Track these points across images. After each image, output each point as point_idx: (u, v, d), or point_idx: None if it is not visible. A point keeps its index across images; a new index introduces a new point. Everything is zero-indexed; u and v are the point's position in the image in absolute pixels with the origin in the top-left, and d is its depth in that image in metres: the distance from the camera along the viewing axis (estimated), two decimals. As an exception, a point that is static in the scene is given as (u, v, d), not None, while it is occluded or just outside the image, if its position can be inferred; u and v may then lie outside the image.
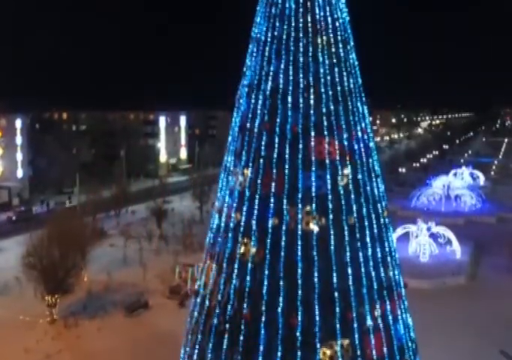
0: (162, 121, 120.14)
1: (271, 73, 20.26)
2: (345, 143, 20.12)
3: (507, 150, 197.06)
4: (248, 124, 20.44)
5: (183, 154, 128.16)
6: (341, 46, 20.63)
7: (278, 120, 19.82)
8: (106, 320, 42.28)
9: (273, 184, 19.52)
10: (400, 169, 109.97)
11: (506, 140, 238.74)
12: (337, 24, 20.68)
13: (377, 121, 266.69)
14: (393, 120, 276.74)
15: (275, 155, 19.65)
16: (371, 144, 21.43)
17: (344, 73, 20.53)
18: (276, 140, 19.69)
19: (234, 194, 20.40)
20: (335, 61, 20.38)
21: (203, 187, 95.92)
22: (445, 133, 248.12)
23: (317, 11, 20.34)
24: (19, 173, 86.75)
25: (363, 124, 21.03)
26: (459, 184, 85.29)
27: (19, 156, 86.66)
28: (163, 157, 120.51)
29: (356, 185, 20.13)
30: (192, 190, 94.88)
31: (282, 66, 20.13)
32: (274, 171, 19.60)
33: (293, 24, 20.22)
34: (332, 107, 20.01)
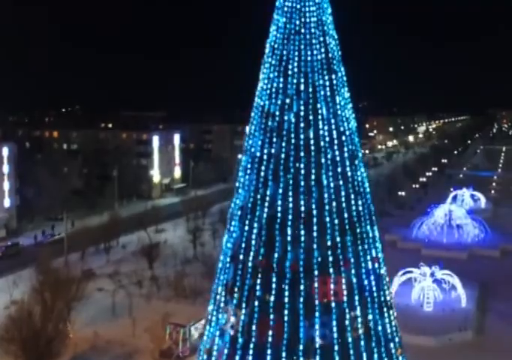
0: (156, 140, 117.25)
1: (267, 198, 17.46)
2: (354, 280, 17.36)
3: (506, 160, 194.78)
4: (240, 256, 17.64)
5: (177, 173, 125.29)
6: (348, 163, 17.86)
7: (275, 255, 17.04)
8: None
9: (270, 333, 16.76)
10: (399, 193, 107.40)
11: (504, 148, 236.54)
12: (343, 138, 17.91)
13: (375, 131, 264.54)
14: (390, 129, 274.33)
15: (272, 298, 16.89)
16: (383, 271, 18.66)
17: (352, 196, 17.76)
18: (274, 280, 16.93)
19: (225, 337, 17.61)
20: (341, 182, 17.61)
21: (196, 213, 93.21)
22: (442, 141, 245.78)
23: (320, 125, 17.57)
24: (6, 203, 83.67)
25: (374, 252, 18.25)
26: (460, 213, 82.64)
27: (6, 185, 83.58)
28: (156, 178, 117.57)
29: (366, 328, 17.38)
30: (186, 217, 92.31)
31: (280, 190, 17.36)
32: (271, 317, 16.84)
33: (292, 140, 17.43)
34: (338, 239, 17.24)
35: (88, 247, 73.11)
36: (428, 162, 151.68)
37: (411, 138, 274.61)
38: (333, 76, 17.90)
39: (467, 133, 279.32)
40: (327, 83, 17.75)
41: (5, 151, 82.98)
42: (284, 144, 17.44)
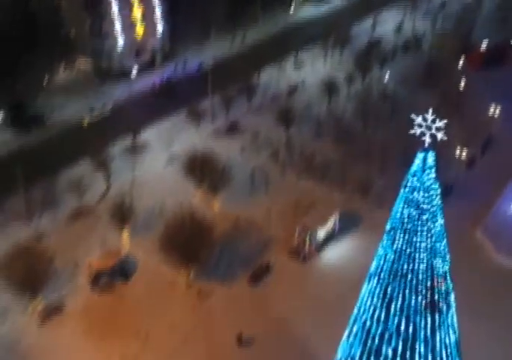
0: None
1: None
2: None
3: None
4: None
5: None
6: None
7: None
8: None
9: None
10: None
11: None
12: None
13: None
14: None
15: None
16: None
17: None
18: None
19: None
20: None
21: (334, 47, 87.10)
22: None
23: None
24: (159, 28, 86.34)
25: None
26: None
27: (158, 11, 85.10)
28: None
29: None
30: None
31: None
32: None
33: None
34: None
35: (231, 84, 75.38)
36: None
37: None
38: (436, 316, 17.93)
39: None
40: (429, 324, 17.93)
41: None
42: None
